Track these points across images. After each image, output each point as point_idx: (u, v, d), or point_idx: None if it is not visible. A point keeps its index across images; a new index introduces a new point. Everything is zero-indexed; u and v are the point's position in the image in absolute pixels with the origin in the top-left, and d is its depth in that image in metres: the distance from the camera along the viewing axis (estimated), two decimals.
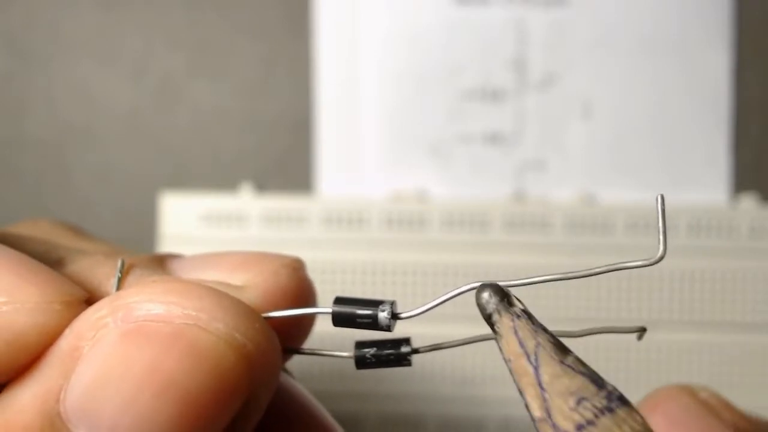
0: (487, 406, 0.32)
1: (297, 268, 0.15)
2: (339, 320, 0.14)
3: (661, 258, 0.13)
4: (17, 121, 0.35)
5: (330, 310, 0.14)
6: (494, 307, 0.13)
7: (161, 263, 0.15)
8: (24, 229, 0.17)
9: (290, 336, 0.15)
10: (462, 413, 0.32)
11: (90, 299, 0.13)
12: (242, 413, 0.13)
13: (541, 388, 0.12)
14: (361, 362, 0.15)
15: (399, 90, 0.34)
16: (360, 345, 0.15)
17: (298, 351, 0.16)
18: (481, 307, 0.13)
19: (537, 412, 0.12)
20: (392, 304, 0.14)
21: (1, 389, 0.13)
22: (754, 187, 0.34)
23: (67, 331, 0.13)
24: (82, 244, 0.17)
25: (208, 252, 0.16)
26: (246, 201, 0.33)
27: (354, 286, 0.32)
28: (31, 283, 0.13)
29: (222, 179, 0.35)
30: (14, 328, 0.12)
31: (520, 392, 0.12)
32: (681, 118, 0.34)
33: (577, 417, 0.12)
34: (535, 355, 0.12)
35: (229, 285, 0.15)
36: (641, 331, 0.15)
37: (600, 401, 0.12)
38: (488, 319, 0.13)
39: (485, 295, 0.13)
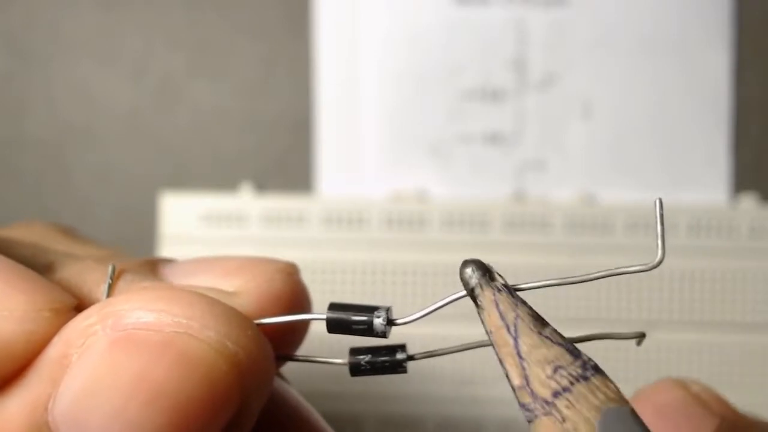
0: (486, 406, 0.32)
1: (291, 273, 0.15)
2: (334, 327, 0.14)
3: (660, 262, 0.13)
4: (17, 121, 0.35)
5: (324, 317, 0.14)
6: (476, 281, 0.14)
7: (153, 268, 0.15)
8: (17, 232, 0.17)
9: (284, 342, 0.15)
10: (461, 414, 0.32)
11: (79, 306, 0.13)
12: (234, 422, 0.12)
13: (520, 357, 0.13)
14: (356, 370, 0.14)
15: (399, 90, 0.34)
16: (354, 352, 0.14)
17: (292, 358, 0.15)
18: (465, 282, 0.14)
19: (516, 380, 0.13)
20: (388, 310, 0.14)
21: None
22: (754, 187, 0.34)
23: (56, 339, 0.12)
24: (75, 248, 0.16)
25: (201, 256, 0.16)
26: (246, 201, 0.33)
27: (354, 286, 0.32)
28: (20, 290, 0.13)
29: (222, 179, 0.35)
30: (2, 337, 0.12)
31: (501, 362, 0.13)
32: (681, 118, 0.34)
33: (553, 384, 0.12)
34: (515, 326, 0.13)
35: (221, 291, 0.14)
36: (640, 337, 0.15)
37: (575, 370, 0.13)
38: (471, 292, 0.14)
39: (468, 270, 0.14)
